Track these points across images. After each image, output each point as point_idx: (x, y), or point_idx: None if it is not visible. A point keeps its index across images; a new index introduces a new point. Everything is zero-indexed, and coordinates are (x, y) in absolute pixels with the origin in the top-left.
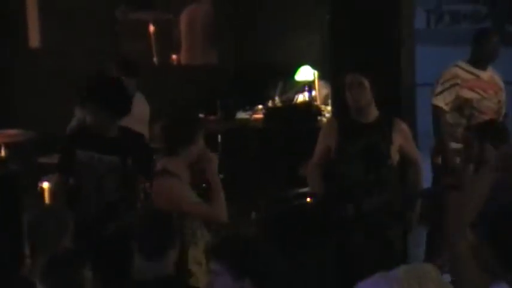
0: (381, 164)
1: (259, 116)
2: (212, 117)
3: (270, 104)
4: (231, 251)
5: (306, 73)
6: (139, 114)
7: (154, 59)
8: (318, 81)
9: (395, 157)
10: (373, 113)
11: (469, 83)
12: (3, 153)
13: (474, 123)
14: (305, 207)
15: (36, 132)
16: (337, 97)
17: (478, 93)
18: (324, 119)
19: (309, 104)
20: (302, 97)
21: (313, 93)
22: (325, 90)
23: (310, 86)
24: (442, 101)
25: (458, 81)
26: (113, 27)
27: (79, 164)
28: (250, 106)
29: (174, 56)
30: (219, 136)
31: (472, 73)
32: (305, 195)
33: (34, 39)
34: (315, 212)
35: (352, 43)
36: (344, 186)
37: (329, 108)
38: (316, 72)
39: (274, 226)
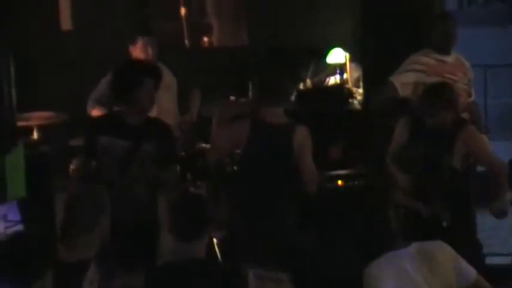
0: (439, 177)
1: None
2: (243, 99)
3: (301, 86)
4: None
5: (337, 55)
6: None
7: (186, 41)
8: (350, 64)
9: (458, 163)
10: (446, 119)
11: (436, 69)
12: (35, 135)
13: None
14: (336, 189)
15: (67, 114)
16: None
17: (447, 77)
18: (356, 102)
19: (340, 87)
20: (333, 79)
21: (345, 75)
22: (357, 73)
23: (341, 68)
24: (397, 81)
25: (424, 67)
26: (144, 9)
27: (100, 148)
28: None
29: (205, 38)
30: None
31: (437, 59)
32: (337, 177)
33: (65, 21)
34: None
35: (384, 25)
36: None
37: (360, 90)
38: (347, 55)
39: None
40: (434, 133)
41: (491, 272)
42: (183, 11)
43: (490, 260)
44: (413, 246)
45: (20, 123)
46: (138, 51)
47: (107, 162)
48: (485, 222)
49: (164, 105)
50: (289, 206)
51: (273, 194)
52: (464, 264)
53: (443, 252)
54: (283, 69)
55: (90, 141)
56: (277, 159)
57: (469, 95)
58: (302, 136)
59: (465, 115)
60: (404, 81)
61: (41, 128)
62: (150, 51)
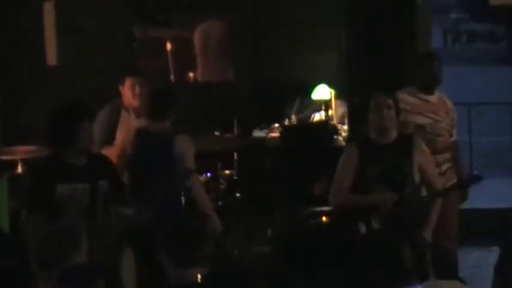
0: (405, 185)
1: (276, 134)
2: (228, 135)
3: (286, 122)
4: None
5: (322, 92)
6: None
7: (171, 77)
8: (335, 100)
9: (416, 176)
10: (393, 133)
11: (420, 108)
12: (19, 169)
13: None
14: (320, 226)
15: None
16: (355, 116)
17: (430, 117)
18: (340, 138)
19: (325, 123)
20: (318, 116)
21: (330, 112)
22: (342, 109)
23: (326, 104)
24: None
25: (407, 106)
26: (130, 45)
27: (61, 197)
28: (267, 124)
29: (191, 74)
30: (235, 154)
31: (420, 99)
32: (320, 214)
33: (51, 57)
34: (329, 231)
35: (370, 62)
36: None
37: (345, 127)
38: (332, 91)
39: (289, 244)
40: (388, 149)
41: None
42: (168, 46)
43: None
44: (425, 285)
45: (4, 157)
46: (126, 90)
47: (68, 210)
48: (467, 260)
49: None
50: None
51: None
52: None
53: None
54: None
55: (41, 191)
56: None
57: (451, 135)
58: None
59: (447, 155)
60: None
61: (25, 162)
62: (138, 90)
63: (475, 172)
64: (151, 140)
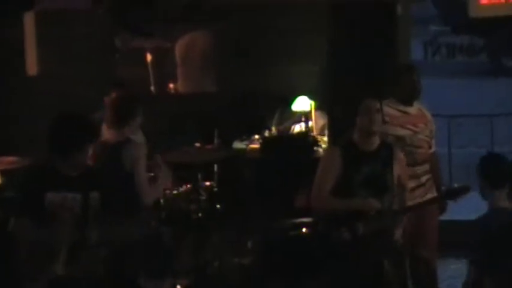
0: (386, 192)
1: (256, 145)
2: (209, 146)
3: (266, 133)
4: None
5: (302, 103)
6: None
7: (152, 88)
8: (315, 112)
9: (395, 184)
10: (377, 141)
11: (399, 120)
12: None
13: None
14: (301, 237)
15: (33, 159)
16: (335, 127)
17: (410, 129)
18: (320, 150)
19: (305, 135)
20: (299, 127)
21: (310, 123)
22: (322, 121)
23: (307, 116)
24: None
25: (386, 118)
26: (111, 55)
27: (50, 205)
28: (247, 135)
29: (171, 85)
30: (215, 165)
31: (400, 110)
32: (301, 225)
33: (32, 67)
34: (311, 240)
35: (350, 73)
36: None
37: (325, 138)
38: (313, 103)
39: (269, 256)
40: (372, 156)
41: None
42: (149, 57)
43: None
44: None
45: None
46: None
47: (58, 218)
48: (446, 272)
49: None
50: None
51: None
52: None
53: None
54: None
55: (31, 197)
56: None
57: (430, 147)
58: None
59: (426, 166)
60: None
61: (5, 173)
62: None
63: (456, 185)
64: (105, 150)
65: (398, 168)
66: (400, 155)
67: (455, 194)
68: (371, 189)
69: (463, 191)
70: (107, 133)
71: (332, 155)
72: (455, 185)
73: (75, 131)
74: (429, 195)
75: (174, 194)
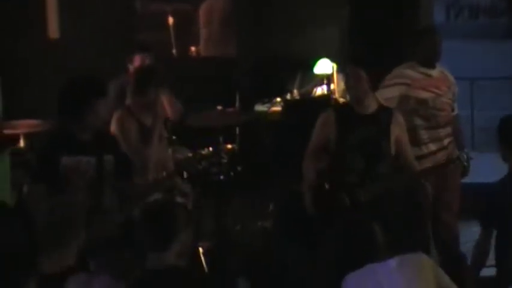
0: (380, 156)
1: (277, 108)
2: (230, 110)
3: (288, 96)
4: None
5: (324, 66)
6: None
7: (174, 51)
8: (337, 75)
9: (392, 148)
10: (372, 105)
11: (421, 82)
12: (22, 143)
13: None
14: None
15: (54, 123)
16: None
17: (432, 91)
18: None
19: (327, 97)
20: (320, 90)
21: (332, 86)
22: (344, 84)
23: (328, 79)
24: (380, 96)
25: (408, 81)
26: (132, 19)
27: (64, 169)
28: (269, 99)
29: (193, 48)
30: (237, 128)
31: (422, 73)
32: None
33: (53, 30)
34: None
35: (371, 35)
36: (341, 178)
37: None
38: (334, 65)
39: (291, 219)
40: (367, 120)
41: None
42: (170, 20)
43: None
44: (394, 260)
45: (7, 131)
46: (135, 67)
47: (73, 182)
48: (468, 235)
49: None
50: None
51: None
52: (446, 279)
53: (423, 264)
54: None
55: (47, 162)
56: None
57: (453, 109)
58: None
59: (448, 129)
60: (388, 96)
61: (27, 136)
62: None
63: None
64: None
65: (397, 131)
66: (399, 119)
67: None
68: (365, 152)
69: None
70: (130, 98)
71: (326, 117)
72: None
73: (81, 86)
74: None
75: (196, 157)
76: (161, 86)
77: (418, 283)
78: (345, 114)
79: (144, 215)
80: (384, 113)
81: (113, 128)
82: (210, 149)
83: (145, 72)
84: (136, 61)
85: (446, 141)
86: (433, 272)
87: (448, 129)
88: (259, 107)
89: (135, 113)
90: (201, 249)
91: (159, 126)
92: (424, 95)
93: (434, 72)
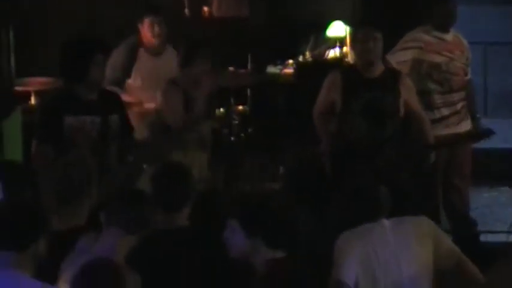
0: (388, 118)
1: (290, 70)
2: (242, 71)
3: (300, 59)
4: (242, 209)
5: (337, 29)
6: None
7: (186, 11)
8: (350, 37)
9: (401, 110)
10: (380, 67)
11: (435, 46)
12: (33, 101)
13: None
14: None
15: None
16: None
17: (446, 55)
18: None
19: (339, 60)
20: (333, 53)
21: (345, 49)
22: None
23: (341, 41)
24: (393, 59)
25: (421, 44)
26: None
27: (68, 128)
28: (281, 60)
29: (205, 8)
30: (249, 90)
31: (436, 37)
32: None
33: None
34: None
35: None
36: (352, 142)
37: None
38: (347, 28)
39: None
40: (374, 82)
41: (486, 249)
42: None
43: (484, 238)
44: (390, 221)
45: (18, 89)
46: (145, 30)
47: (77, 142)
48: (478, 200)
49: None
50: None
51: None
52: (446, 242)
53: (422, 227)
54: None
55: (51, 122)
56: None
57: (466, 74)
58: None
59: (462, 93)
60: (401, 59)
61: (38, 94)
62: (157, 30)
63: (484, 127)
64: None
65: (406, 94)
66: (407, 82)
67: (478, 136)
68: (372, 114)
69: (486, 134)
70: (154, 62)
71: (332, 78)
72: (481, 127)
73: (82, 43)
74: (463, 123)
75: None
76: (208, 59)
77: (411, 246)
78: (351, 76)
79: (160, 176)
80: (391, 76)
81: (160, 99)
82: (221, 110)
83: (193, 45)
84: (147, 24)
85: (459, 106)
86: (431, 237)
87: (462, 94)
88: (272, 69)
89: (182, 85)
90: None
91: (205, 99)
92: (437, 58)
93: (448, 37)
